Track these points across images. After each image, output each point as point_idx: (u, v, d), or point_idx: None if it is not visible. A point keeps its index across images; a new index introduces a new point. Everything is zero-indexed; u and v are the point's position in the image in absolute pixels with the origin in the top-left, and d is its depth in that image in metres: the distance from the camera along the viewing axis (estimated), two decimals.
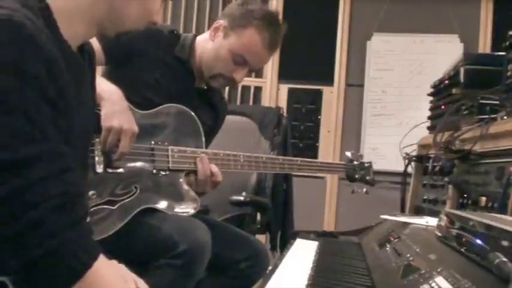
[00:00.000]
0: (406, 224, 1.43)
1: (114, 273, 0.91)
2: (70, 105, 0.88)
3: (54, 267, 0.79)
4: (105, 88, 1.55)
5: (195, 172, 1.70)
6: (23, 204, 0.77)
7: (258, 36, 1.72)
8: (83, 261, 0.82)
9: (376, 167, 2.23)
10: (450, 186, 1.62)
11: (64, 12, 0.92)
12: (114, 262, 1.05)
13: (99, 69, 1.72)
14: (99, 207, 1.51)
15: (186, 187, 1.68)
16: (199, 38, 1.83)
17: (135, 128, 1.55)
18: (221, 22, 1.77)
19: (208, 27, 1.84)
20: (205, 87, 1.87)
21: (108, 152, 1.53)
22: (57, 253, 0.79)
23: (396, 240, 1.24)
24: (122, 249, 1.49)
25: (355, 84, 4.00)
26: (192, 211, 1.65)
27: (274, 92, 4.07)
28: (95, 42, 1.62)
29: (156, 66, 1.74)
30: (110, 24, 1.00)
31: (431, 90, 2.14)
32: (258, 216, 2.42)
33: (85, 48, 1.05)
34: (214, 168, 1.70)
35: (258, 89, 4.13)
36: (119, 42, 1.63)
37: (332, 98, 4.01)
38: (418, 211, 1.97)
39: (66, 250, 0.80)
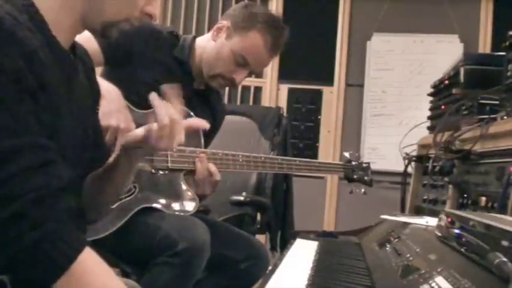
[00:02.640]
0: (406, 224, 1.43)
1: (103, 268, 0.90)
2: (55, 98, 0.87)
3: (37, 260, 0.78)
4: (103, 87, 1.55)
5: (192, 172, 1.70)
6: (3, 197, 0.76)
7: (261, 39, 1.73)
8: (66, 254, 0.80)
9: (376, 167, 2.23)
10: (450, 186, 1.62)
11: (50, 8, 0.91)
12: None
13: (98, 70, 1.72)
14: None
15: (185, 186, 1.68)
16: (199, 39, 1.84)
17: (133, 127, 1.56)
18: (224, 23, 1.77)
19: (208, 27, 1.85)
20: (204, 89, 1.87)
21: None
22: (39, 246, 0.78)
23: (396, 240, 1.24)
24: (121, 248, 1.50)
25: (355, 84, 4.00)
26: (191, 210, 1.65)
27: (274, 92, 4.07)
28: (93, 43, 1.62)
29: (155, 67, 1.74)
30: (91, 15, 0.98)
31: (431, 90, 2.14)
32: (258, 216, 2.42)
33: (77, 49, 1.04)
34: (212, 167, 1.70)
35: (258, 89, 4.13)
36: (118, 43, 1.64)
37: (332, 98, 4.01)
38: (418, 211, 1.97)
39: (48, 243, 0.79)
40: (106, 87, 1.56)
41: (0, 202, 0.76)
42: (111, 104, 1.54)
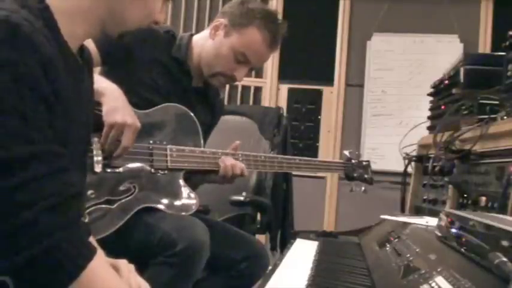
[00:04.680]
0: (406, 224, 1.43)
1: (112, 274, 0.91)
2: (67, 106, 0.88)
3: (47, 267, 0.79)
4: (105, 85, 1.55)
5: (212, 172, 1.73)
6: (16, 204, 0.77)
7: (259, 35, 1.73)
8: (77, 262, 0.81)
9: (376, 167, 2.22)
10: (450, 186, 1.62)
11: (65, 12, 0.91)
12: (124, 261, 1.05)
13: (96, 70, 1.72)
14: (98, 206, 1.51)
15: (185, 186, 1.68)
16: (196, 37, 1.83)
17: (138, 123, 1.56)
18: (221, 21, 1.77)
19: None
20: (203, 86, 1.87)
21: (109, 148, 1.53)
22: (50, 254, 0.79)
23: (396, 240, 1.24)
24: (120, 247, 1.49)
25: (355, 84, 4.00)
26: (191, 210, 1.65)
27: (274, 92, 4.07)
28: (90, 43, 1.62)
29: (153, 67, 1.74)
30: (111, 24, 1.00)
31: (431, 90, 2.14)
32: (258, 216, 2.42)
33: (85, 50, 1.05)
34: (240, 165, 1.76)
35: (258, 89, 4.13)
36: (115, 43, 1.64)
37: (332, 98, 4.01)
38: (418, 211, 1.97)
39: (60, 251, 0.79)
40: (108, 85, 1.56)
41: (13, 209, 0.77)
42: (115, 101, 1.54)
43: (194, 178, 1.78)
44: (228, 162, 1.73)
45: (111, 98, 1.54)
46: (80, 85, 0.98)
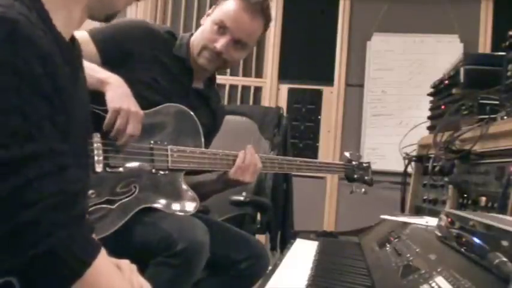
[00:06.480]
0: (406, 224, 1.43)
1: (116, 273, 0.91)
2: (68, 101, 0.87)
3: (52, 266, 0.79)
4: (107, 74, 1.56)
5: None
6: (20, 203, 0.76)
7: (237, 1, 1.74)
8: (82, 259, 0.81)
9: (376, 167, 2.22)
10: (450, 186, 1.62)
11: (53, 1, 0.90)
12: (126, 261, 1.05)
13: None
14: (98, 206, 1.51)
15: (185, 187, 1.68)
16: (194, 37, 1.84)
17: (141, 112, 1.57)
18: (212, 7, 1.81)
19: None
20: (203, 88, 1.87)
21: (115, 135, 1.53)
22: (54, 252, 0.78)
23: (396, 240, 1.24)
24: (120, 248, 1.49)
25: (355, 84, 4.00)
26: (191, 210, 1.65)
27: (274, 92, 4.07)
28: (89, 44, 1.62)
29: (154, 66, 1.74)
30: (99, 6, 0.99)
31: (431, 90, 2.14)
32: (258, 216, 2.42)
33: (75, 42, 1.04)
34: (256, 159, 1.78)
35: (258, 89, 4.13)
36: (114, 43, 1.64)
37: (332, 98, 4.01)
38: (418, 211, 1.97)
39: (64, 249, 0.79)
40: (109, 74, 1.57)
41: (17, 208, 0.76)
42: (119, 89, 1.55)
43: (203, 190, 1.79)
44: (249, 149, 1.78)
45: (115, 85, 1.55)
46: (76, 77, 0.98)
